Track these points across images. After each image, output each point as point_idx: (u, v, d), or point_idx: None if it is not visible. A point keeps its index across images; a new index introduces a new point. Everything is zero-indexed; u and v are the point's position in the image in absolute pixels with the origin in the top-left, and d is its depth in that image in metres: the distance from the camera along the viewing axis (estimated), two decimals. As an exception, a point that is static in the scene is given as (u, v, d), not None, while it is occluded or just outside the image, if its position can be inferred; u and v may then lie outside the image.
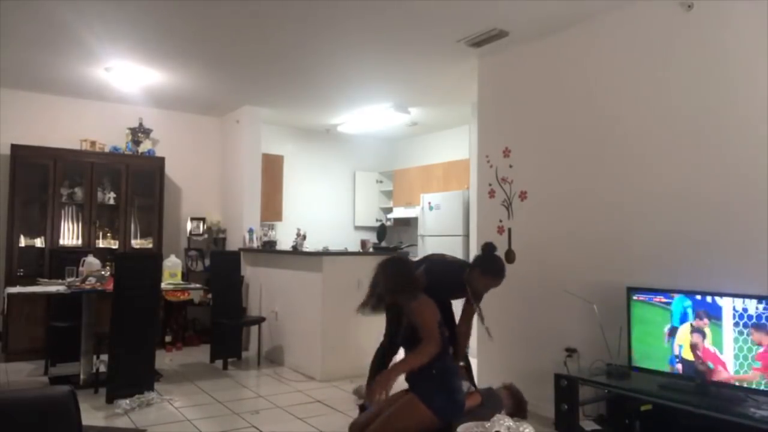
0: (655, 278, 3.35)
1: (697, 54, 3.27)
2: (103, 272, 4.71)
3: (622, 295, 3.36)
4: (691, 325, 3.05)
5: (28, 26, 4.21)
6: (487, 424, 2.32)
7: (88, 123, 6.35)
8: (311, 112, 6.98)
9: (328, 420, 3.94)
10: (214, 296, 5.77)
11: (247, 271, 6.36)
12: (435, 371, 2.68)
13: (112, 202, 6.24)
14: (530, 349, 4.14)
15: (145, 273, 4.40)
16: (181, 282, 5.60)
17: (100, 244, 6.14)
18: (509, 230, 4.36)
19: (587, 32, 3.90)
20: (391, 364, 3.38)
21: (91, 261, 4.89)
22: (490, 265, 3.30)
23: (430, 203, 7.10)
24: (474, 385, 3.39)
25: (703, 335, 3.00)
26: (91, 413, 3.97)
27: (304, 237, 6.19)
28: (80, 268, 4.86)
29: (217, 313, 5.67)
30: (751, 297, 2.83)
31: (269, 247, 6.42)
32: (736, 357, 2.87)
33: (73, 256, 5.22)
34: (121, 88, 5.82)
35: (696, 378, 2.99)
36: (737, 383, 2.85)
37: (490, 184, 4.55)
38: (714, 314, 2.96)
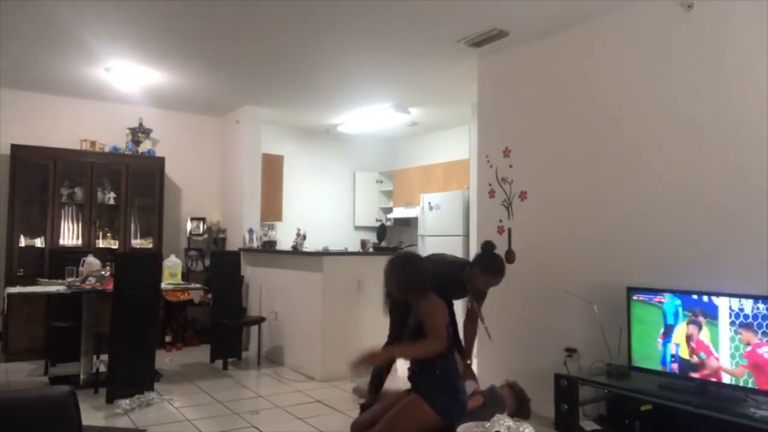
0: (655, 278, 3.35)
1: (697, 54, 3.27)
2: (103, 272, 4.71)
3: (622, 295, 3.36)
4: (688, 324, 3.06)
5: (28, 26, 4.21)
6: (488, 424, 2.32)
7: (88, 123, 6.35)
8: (311, 112, 6.98)
9: (328, 420, 3.94)
10: (214, 296, 5.77)
11: (247, 271, 6.36)
12: (438, 372, 2.68)
13: (112, 202, 6.24)
14: (530, 349, 4.14)
15: (145, 273, 4.40)
16: (181, 282, 5.60)
17: (100, 244, 6.14)
18: (509, 230, 4.36)
19: (587, 32, 3.90)
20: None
21: (91, 261, 4.89)
22: (489, 264, 3.30)
23: (430, 203, 7.10)
24: (476, 382, 3.40)
25: (699, 330, 3.01)
26: (91, 413, 3.97)
27: (304, 237, 6.19)
28: (80, 268, 4.86)
29: (217, 313, 5.67)
30: (747, 297, 2.84)
31: (269, 247, 6.42)
32: (732, 356, 2.88)
33: (73, 256, 5.22)
34: (121, 88, 5.82)
35: (695, 379, 3.00)
36: (732, 380, 2.86)
37: (490, 184, 4.55)
38: (710, 313, 2.96)
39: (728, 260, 3.08)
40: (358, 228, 8.45)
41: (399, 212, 8.24)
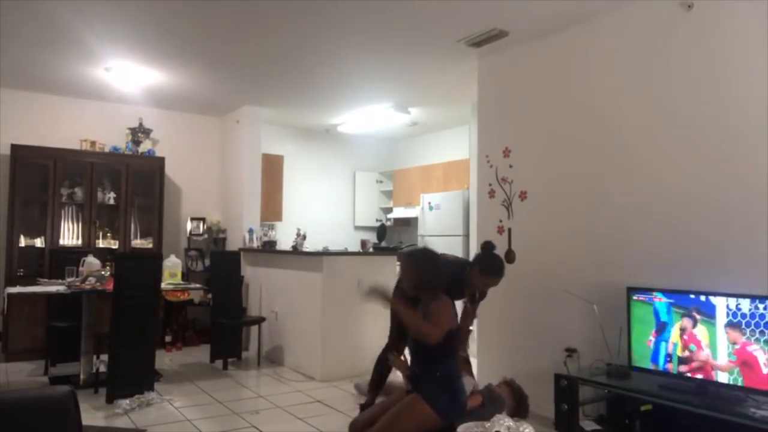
0: (655, 278, 3.35)
1: (697, 54, 3.27)
2: (103, 272, 4.71)
3: (622, 295, 3.36)
4: (682, 317, 3.10)
5: (28, 26, 4.21)
6: (487, 424, 2.32)
7: (88, 123, 6.35)
8: (311, 112, 6.99)
9: (328, 420, 3.94)
10: (214, 296, 5.77)
11: (247, 271, 6.36)
12: (439, 373, 2.68)
13: (112, 202, 6.24)
14: (530, 349, 4.14)
15: (145, 273, 4.40)
16: (181, 282, 5.60)
17: (100, 244, 6.14)
18: (509, 230, 4.36)
19: (587, 32, 3.90)
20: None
21: (91, 261, 4.89)
22: (489, 264, 3.30)
23: (430, 203, 7.10)
24: (472, 377, 3.40)
25: (694, 324, 3.04)
26: (91, 413, 3.97)
27: (304, 237, 6.19)
28: (80, 268, 4.86)
29: (217, 313, 5.67)
30: (745, 296, 2.84)
31: (269, 247, 6.42)
32: (730, 355, 2.89)
33: (73, 256, 5.22)
34: (121, 88, 5.82)
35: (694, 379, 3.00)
36: (719, 375, 2.89)
37: (490, 184, 4.55)
38: (708, 313, 2.97)
39: (729, 260, 3.08)
40: (358, 228, 8.45)
41: (399, 212, 8.24)
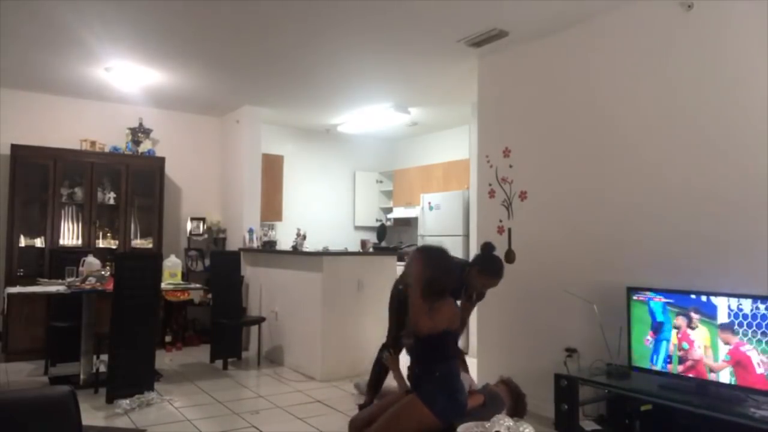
0: (655, 278, 3.35)
1: (697, 54, 3.27)
2: (103, 272, 4.71)
3: (622, 295, 3.36)
4: (677, 316, 3.13)
5: (28, 26, 4.21)
6: (487, 424, 2.32)
7: (88, 123, 6.35)
8: (311, 112, 6.99)
9: (328, 420, 3.94)
10: (214, 296, 5.77)
11: (247, 271, 6.36)
12: (438, 373, 2.68)
13: (112, 202, 6.24)
14: (530, 349, 4.14)
15: (145, 273, 4.40)
16: (181, 282, 5.60)
17: (100, 244, 6.14)
18: (509, 230, 4.36)
19: (587, 32, 3.90)
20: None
21: (91, 261, 4.89)
22: (488, 265, 3.30)
23: (430, 203, 7.10)
24: (467, 373, 3.40)
25: (689, 322, 3.07)
26: (91, 413, 3.97)
27: (304, 237, 6.19)
28: (80, 268, 4.86)
29: (217, 313, 5.67)
30: (746, 297, 2.84)
31: (269, 247, 6.42)
32: (725, 356, 2.90)
33: (73, 256, 5.22)
34: (121, 88, 5.82)
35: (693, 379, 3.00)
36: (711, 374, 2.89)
37: (490, 184, 4.55)
38: (709, 313, 2.97)
39: (729, 260, 3.08)
40: (358, 228, 8.45)
41: (399, 212, 8.24)
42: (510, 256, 4.31)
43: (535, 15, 3.84)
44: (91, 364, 4.73)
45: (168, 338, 6.24)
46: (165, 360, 5.70)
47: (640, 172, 3.53)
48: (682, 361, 3.08)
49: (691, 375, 3.03)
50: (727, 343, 2.91)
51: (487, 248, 3.36)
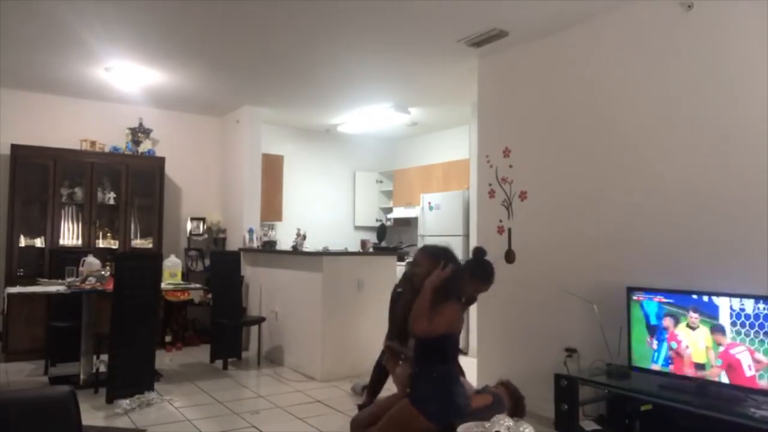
0: (655, 278, 3.35)
1: (697, 54, 3.27)
2: (103, 272, 4.71)
3: (622, 295, 3.36)
4: (665, 316, 3.17)
5: (28, 26, 4.21)
6: (487, 424, 2.32)
7: (88, 123, 6.35)
8: (311, 112, 6.98)
9: (328, 420, 3.94)
10: (214, 296, 5.77)
11: (247, 271, 6.36)
12: (436, 375, 2.68)
13: (112, 202, 6.24)
14: (530, 349, 4.14)
15: (145, 273, 4.40)
16: (181, 282, 5.60)
17: (100, 244, 6.14)
18: (509, 230, 4.36)
19: (587, 32, 3.90)
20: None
21: (91, 261, 4.89)
22: (478, 270, 3.29)
23: (430, 203, 7.10)
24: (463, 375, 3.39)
25: (676, 323, 3.11)
26: (91, 413, 3.97)
27: (304, 237, 6.19)
28: (80, 268, 4.86)
29: (217, 313, 5.67)
30: (748, 297, 2.84)
31: (269, 247, 6.42)
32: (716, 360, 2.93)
33: (73, 256, 5.22)
34: (121, 88, 5.82)
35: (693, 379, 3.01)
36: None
37: (490, 184, 4.55)
38: (711, 313, 2.96)
39: (730, 260, 3.08)
40: (358, 228, 8.44)
41: (399, 212, 8.23)
42: (510, 256, 4.31)
43: (535, 15, 3.84)
44: (91, 364, 4.73)
45: (168, 338, 6.24)
46: (165, 360, 5.70)
47: (640, 172, 3.53)
48: (671, 360, 3.11)
49: (681, 374, 3.05)
50: (719, 344, 2.92)
51: (478, 253, 3.36)
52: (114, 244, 6.22)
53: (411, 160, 8.38)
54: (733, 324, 2.88)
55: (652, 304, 3.22)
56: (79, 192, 6.06)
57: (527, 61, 4.34)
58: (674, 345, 3.10)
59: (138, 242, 6.37)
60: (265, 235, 6.69)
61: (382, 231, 6.04)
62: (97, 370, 4.68)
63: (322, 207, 8.14)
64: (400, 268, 5.58)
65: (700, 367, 3.00)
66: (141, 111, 6.61)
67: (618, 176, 3.66)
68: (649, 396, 3.08)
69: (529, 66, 4.32)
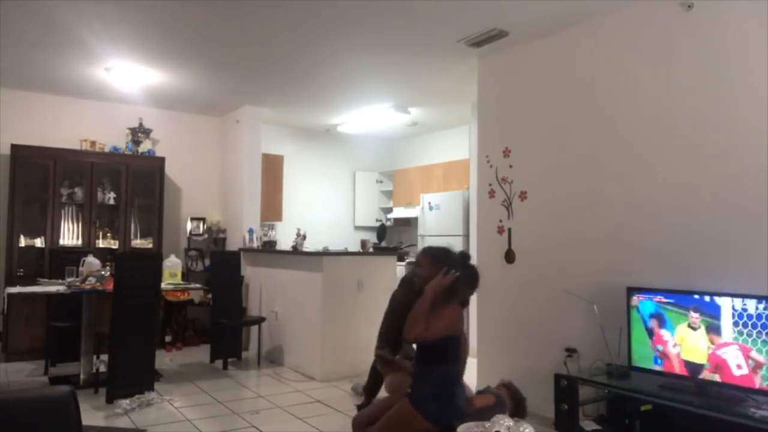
0: (655, 278, 3.35)
1: (697, 54, 3.27)
2: (103, 272, 4.71)
3: (622, 295, 3.36)
4: (650, 318, 3.21)
5: (28, 26, 4.21)
6: (487, 424, 2.32)
7: (88, 123, 6.35)
8: (311, 112, 6.98)
9: (328, 420, 3.94)
10: (214, 296, 5.77)
11: (247, 271, 6.36)
12: (435, 375, 2.68)
13: (112, 202, 6.24)
14: (530, 349, 4.14)
15: (145, 273, 4.40)
16: (181, 282, 5.60)
17: (100, 244, 6.14)
18: (509, 230, 4.36)
19: (587, 32, 3.90)
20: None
21: (91, 261, 4.89)
22: (467, 275, 3.28)
23: (430, 203, 7.10)
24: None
25: (661, 325, 3.15)
26: (91, 413, 3.97)
27: (304, 237, 6.19)
28: (80, 268, 4.86)
29: (217, 313, 5.67)
30: (751, 297, 2.83)
31: (269, 247, 6.42)
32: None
33: (73, 256, 5.22)
34: (121, 88, 5.82)
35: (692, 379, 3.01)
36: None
37: (490, 184, 4.55)
38: (713, 313, 2.96)
39: (729, 260, 3.08)
40: (358, 228, 8.45)
41: (399, 212, 8.24)
42: (510, 256, 4.31)
43: (535, 15, 3.84)
44: (91, 364, 4.73)
45: (168, 338, 6.24)
46: (165, 360, 5.70)
47: (640, 172, 3.53)
48: (661, 361, 3.14)
49: (674, 373, 3.09)
50: (712, 344, 2.93)
51: (463, 258, 3.36)
52: (114, 244, 6.22)
53: (411, 160, 8.38)
54: (735, 324, 2.87)
55: (647, 305, 3.22)
56: (79, 192, 6.06)
57: (527, 61, 4.34)
58: (660, 347, 3.14)
59: (138, 242, 6.37)
60: (265, 235, 6.69)
61: (382, 231, 6.04)
62: (97, 370, 4.68)
63: (322, 207, 8.14)
64: (400, 269, 5.58)
65: (691, 366, 3.01)
66: (141, 111, 6.61)
67: (618, 176, 3.65)
68: (649, 396, 3.08)
69: (529, 66, 4.32)
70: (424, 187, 7.54)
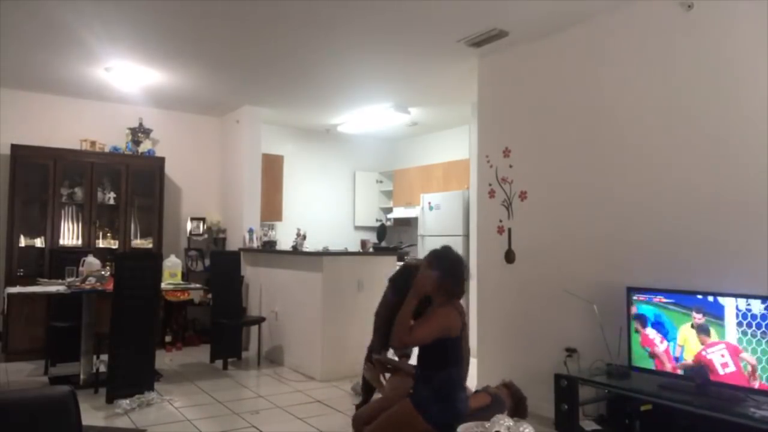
0: (655, 278, 3.35)
1: (697, 54, 3.27)
2: (103, 272, 4.71)
3: (622, 295, 3.36)
4: (633, 319, 3.24)
5: (28, 26, 4.21)
6: (487, 424, 2.32)
7: (88, 123, 6.35)
8: (311, 112, 6.98)
9: (328, 420, 3.94)
10: (214, 296, 5.77)
11: (247, 271, 6.36)
12: (437, 379, 2.67)
13: (112, 202, 6.24)
14: (530, 349, 4.14)
15: (145, 273, 4.40)
16: (181, 282, 5.60)
17: (100, 244, 6.14)
18: (509, 230, 4.36)
19: (587, 32, 3.90)
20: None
21: (91, 261, 4.89)
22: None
23: (430, 203, 7.10)
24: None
25: (645, 325, 3.20)
26: (91, 413, 3.97)
27: (304, 237, 6.19)
28: (80, 268, 4.86)
29: (217, 313, 5.67)
30: (755, 297, 2.83)
31: (269, 247, 6.42)
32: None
33: (73, 256, 5.22)
34: (121, 88, 5.82)
35: (695, 379, 3.00)
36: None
37: (490, 184, 4.55)
38: (715, 314, 2.96)
39: (729, 260, 3.08)
40: (358, 228, 8.45)
41: (399, 212, 8.24)
42: (510, 256, 4.31)
43: (536, 15, 3.84)
44: (91, 364, 4.73)
45: (168, 338, 6.24)
46: (165, 360, 5.70)
47: (640, 172, 3.53)
48: (652, 358, 3.19)
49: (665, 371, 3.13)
50: (702, 344, 2.95)
51: (442, 254, 3.35)
52: (114, 244, 6.22)
53: (411, 160, 8.38)
54: (739, 324, 2.86)
55: (642, 305, 3.23)
56: (79, 192, 6.06)
57: (527, 61, 4.34)
58: (648, 349, 3.18)
59: (138, 242, 6.37)
60: (265, 235, 6.69)
61: (382, 231, 6.03)
62: (97, 370, 4.69)
63: (322, 207, 8.14)
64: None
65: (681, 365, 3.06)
66: (141, 111, 6.61)
67: (618, 176, 3.65)
68: (649, 396, 3.08)
69: (529, 66, 4.32)
70: (424, 187, 7.54)
